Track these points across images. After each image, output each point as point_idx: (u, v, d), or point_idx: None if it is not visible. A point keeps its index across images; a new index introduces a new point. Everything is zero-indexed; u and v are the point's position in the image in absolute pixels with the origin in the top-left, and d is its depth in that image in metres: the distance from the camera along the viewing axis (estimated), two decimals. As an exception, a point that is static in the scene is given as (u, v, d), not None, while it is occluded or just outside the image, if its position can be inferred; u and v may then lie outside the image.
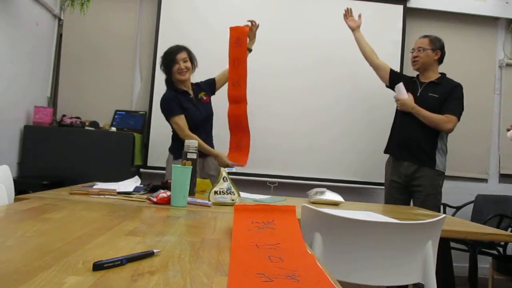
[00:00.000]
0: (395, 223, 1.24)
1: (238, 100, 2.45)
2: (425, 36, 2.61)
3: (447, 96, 2.50)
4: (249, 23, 2.53)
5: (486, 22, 3.48)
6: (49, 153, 2.82)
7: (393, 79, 2.69)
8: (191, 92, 2.54)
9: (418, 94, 2.56)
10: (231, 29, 2.51)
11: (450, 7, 3.39)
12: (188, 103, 2.50)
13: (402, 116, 2.60)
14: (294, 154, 3.25)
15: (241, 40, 2.46)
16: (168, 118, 2.50)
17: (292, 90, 3.26)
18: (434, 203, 2.49)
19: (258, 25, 2.57)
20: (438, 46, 2.56)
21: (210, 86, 2.65)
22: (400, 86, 2.56)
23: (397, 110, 2.66)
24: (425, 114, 2.47)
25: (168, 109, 2.48)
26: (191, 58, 2.52)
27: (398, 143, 2.63)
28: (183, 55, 2.46)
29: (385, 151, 2.75)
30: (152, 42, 3.26)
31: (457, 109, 2.50)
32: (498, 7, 3.43)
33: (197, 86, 2.60)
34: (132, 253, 0.73)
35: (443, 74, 2.60)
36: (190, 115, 2.47)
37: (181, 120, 2.45)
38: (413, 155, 2.54)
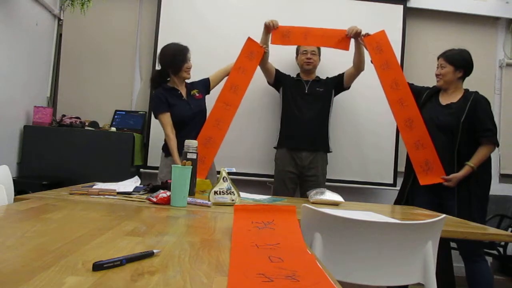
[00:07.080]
0: (395, 223, 1.23)
1: (229, 103, 2.57)
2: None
3: None
4: (266, 48, 2.66)
5: (486, 22, 3.48)
6: (49, 153, 2.82)
7: None
8: (180, 88, 2.54)
9: None
10: (249, 40, 2.65)
11: (450, 7, 3.38)
12: (175, 99, 2.49)
13: None
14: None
15: (255, 56, 2.64)
16: (155, 117, 2.52)
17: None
18: None
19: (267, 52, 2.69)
20: None
21: (204, 85, 2.66)
22: None
23: None
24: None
25: (154, 107, 2.52)
26: None
27: None
28: (190, 54, 2.51)
29: None
30: (152, 42, 3.25)
31: None
32: (498, 7, 3.43)
33: (191, 85, 2.61)
34: (132, 253, 0.73)
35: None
36: (177, 111, 2.47)
37: (164, 117, 2.45)
38: None
